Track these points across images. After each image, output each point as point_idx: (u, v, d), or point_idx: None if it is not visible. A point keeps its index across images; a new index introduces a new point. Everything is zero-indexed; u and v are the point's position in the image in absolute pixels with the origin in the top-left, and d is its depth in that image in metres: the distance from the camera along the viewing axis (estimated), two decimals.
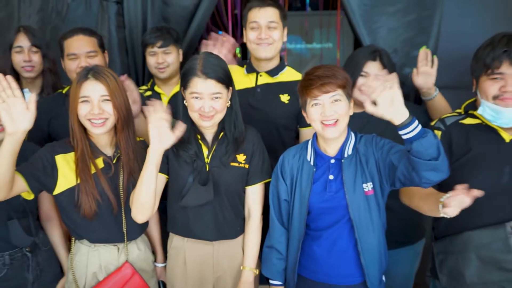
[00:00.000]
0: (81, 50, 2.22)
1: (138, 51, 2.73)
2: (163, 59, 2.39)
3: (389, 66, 2.13)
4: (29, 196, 1.82)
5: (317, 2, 5.23)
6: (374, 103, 1.55)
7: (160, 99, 2.42)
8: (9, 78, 1.58)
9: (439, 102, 2.23)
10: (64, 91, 2.33)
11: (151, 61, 2.42)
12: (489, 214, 1.70)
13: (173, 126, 1.73)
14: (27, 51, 2.31)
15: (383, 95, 1.52)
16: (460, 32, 2.64)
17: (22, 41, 2.31)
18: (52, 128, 2.25)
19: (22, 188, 1.75)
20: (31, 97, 1.59)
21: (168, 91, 2.46)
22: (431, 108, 2.26)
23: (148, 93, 2.46)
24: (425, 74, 2.20)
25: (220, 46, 2.21)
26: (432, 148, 1.49)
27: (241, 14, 4.82)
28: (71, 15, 2.68)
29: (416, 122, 1.52)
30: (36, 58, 2.32)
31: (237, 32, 4.78)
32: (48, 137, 2.23)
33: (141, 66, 2.74)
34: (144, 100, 2.31)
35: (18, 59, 2.31)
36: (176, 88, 2.44)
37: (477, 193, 1.54)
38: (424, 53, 2.24)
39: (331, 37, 5.43)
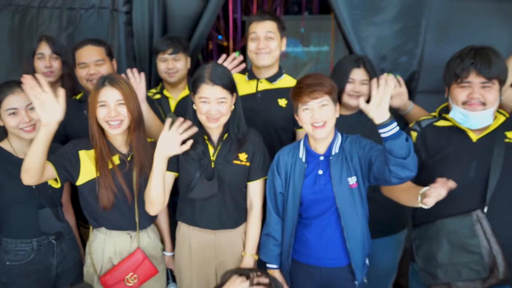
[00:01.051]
0: (90, 59, 2.48)
1: (145, 58, 2.98)
2: (173, 65, 2.63)
3: (371, 71, 2.38)
4: (56, 184, 2.08)
5: (311, 7, 5.51)
6: (367, 101, 1.83)
7: (168, 102, 2.68)
8: (38, 76, 1.85)
9: (416, 114, 2.45)
10: (77, 97, 2.60)
11: (161, 66, 2.66)
12: (458, 204, 1.96)
13: (173, 122, 2.01)
14: (48, 58, 2.57)
15: (377, 95, 1.79)
16: (443, 40, 2.91)
17: (44, 48, 2.57)
18: (68, 131, 2.50)
19: (51, 175, 2.02)
20: (60, 91, 1.85)
21: (176, 95, 2.70)
22: (410, 119, 2.47)
23: (157, 96, 2.70)
24: (398, 95, 2.42)
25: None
26: (403, 148, 1.77)
27: (241, 19, 5.11)
28: (84, 24, 2.96)
29: (394, 124, 1.78)
30: (56, 64, 2.59)
31: (237, 36, 5.09)
32: (66, 139, 2.47)
33: (148, 71, 2.96)
34: (154, 103, 2.59)
35: (40, 65, 2.58)
36: (183, 93, 2.70)
37: (452, 184, 1.82)
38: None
39: (328, 40, 5.68)
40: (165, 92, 2.73)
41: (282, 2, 5.40)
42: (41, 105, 1.83)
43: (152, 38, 2.95)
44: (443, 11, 2.90)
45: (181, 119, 2.02)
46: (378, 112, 1.79)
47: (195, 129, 2.05)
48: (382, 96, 1.79)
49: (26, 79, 1.83)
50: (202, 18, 2.94)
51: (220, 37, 5.23)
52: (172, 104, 2.70)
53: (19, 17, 2.95)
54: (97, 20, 2.98)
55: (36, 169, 1.91)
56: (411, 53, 2.91)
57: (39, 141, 1.87)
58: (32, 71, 2.56)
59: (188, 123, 2.04)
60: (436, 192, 1.83)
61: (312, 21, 5.56)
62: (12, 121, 2.10)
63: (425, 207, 1.89)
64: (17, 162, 2.10)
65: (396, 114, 2.47)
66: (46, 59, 2.58)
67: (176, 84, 2.70)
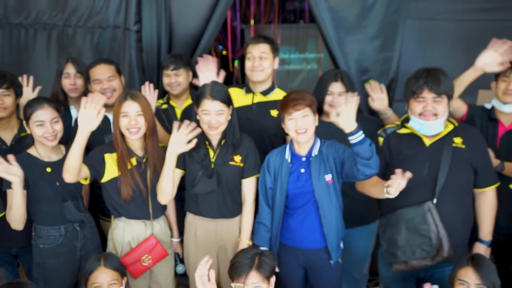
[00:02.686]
0: (103, 75, 2.93)
1: (153, 71, 3.46)
2: (175, 79, 3.14)
3: (348, 84, 2.85)
4: (85, 182, 2.59)
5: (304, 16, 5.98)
6: (337, 114, 2.29)
7: (174, 111, 3.19)
8: (96, 95, 2.36)
9: (393, 121, 2.93)
10: None
11: (165, 80, 3.17)
12: (414, 197, 2.43)
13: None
14: (73, 77, 3.06)
15: (344, 109, 2.26)
16: (417, 54, 3.43)
17: (70, 69, 3.06)
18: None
19: (85, 174, 2.52)
20: (102, 110, 2.32)
21: (180, 104, 3.21)
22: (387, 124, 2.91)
23: (164, 106, 3.21)
24: (379, 99, 2.95)
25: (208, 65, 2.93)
26: (367, 152, 2.25)
27: (240, 28, 5.59)
28: (100, 41, 3.46)
29: (360, 132, 2.25)
30: (80, 82, 3.06)
31: (236, 45, 5.57)
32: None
33: (155, 83, 3.33)
34: (160, 112, 3.09)
35: (66, 83, 3.07)
36: (187, 102, 3.21)
37: (408, 174, 2.28)
38: (370, 86, 2.97)
39: (322, 47, 6.15)
40: (171, 102, 3.23)
41: (277, 11, 5.87)
42: (84, 115, 2.33)
43: (159, 53, 3.43)
44: (415, 30, 3.41)
45: (187, 122, 2.48)
46: (346, 123, 2.27)
47: (199, 130, 2.52)
48: (349, 109, 2.28)
49: (91, 96, 2.36)
50: (204, 35, 3.41)
51: (220, 47, 5.73)
52: (178, 112, 3.20)
53: (46, 34, 3.45)
54: (112, 38, 3.46)
55: (75, 169, 2.41)
56: (388, 66, 3.41)
57: (76, 145, 2.38)
58: (60, 88, 3.08)
59: (193, 124, 2.51)
60: (397, 182, 2.29)
61: (308, 30, 6.04)
62: (39, 131, 2.58)
63: (390, 196, 2.37)
64: (43, 165, 2.64)
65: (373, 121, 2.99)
66: (71, 77, 3.06)
67: (180, 95, 3.21)
